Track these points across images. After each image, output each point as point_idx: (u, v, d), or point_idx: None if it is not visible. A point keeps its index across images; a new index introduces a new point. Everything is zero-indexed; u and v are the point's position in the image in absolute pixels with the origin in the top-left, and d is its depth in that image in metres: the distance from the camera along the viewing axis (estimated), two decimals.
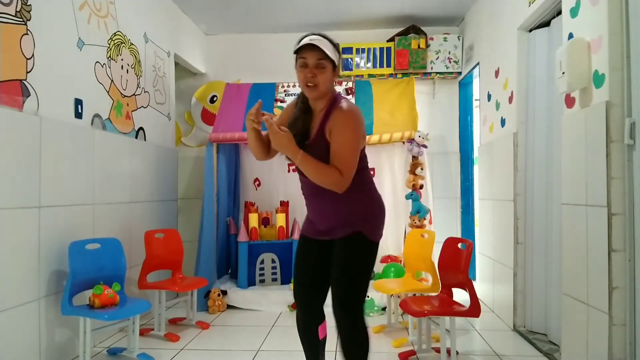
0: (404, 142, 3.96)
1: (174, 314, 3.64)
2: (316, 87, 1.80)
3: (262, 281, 4.00)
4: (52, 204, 2.57)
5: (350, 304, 1.87)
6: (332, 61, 1.81)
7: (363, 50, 4.67)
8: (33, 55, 2.45)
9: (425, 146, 3.89)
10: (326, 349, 2.86)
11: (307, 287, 2.00)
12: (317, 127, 1.85)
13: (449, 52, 4.63)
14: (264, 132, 1.93)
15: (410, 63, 4.60)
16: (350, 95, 4.66)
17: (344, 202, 1.87)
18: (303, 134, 1.87)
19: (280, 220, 4.03)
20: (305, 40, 1.78)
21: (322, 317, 2.02)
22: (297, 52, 1.83)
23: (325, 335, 2.05)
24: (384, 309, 3.65)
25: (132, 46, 3.53)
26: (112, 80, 3.23)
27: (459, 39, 4.63)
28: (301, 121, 1.89)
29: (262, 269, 4.00)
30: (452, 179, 4.87)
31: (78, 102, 2.84)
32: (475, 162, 4.64)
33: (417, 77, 4.66)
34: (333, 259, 1.92)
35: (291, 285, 3.74)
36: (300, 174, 1.92)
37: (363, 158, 1.92)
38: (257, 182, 4.59)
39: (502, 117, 3.50)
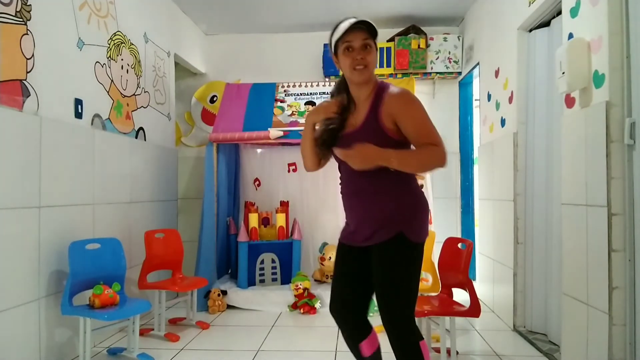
0: None
1: (174, 314, 3.63)
2: (366, 69, 1.70)
3: (262, 281, 4.00)
4: (52, 204, 2.57)
5: (399, 320, 1.70)
6: (375, 41, 1.74)
7: None
8: (33, 55, 2.45)
9: None
10: (326, 350, 2.87)
11: (344, 303, 1.83)
12: (366, 113, 1.73)
13: (449, 52, 4.63)
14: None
15: (410, 63, 4.60)
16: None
17: (388, 199, 1.73)
18: (340, 127, 1.78)
19: (280, 220, 4.03)
20: (347, 24, 1.69)
21: (367, 331, 1.85)
22: (338, 38, 1.72)
23: (376, 349, 1.86)
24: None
25: (132, 46, 3.53)
26: (112, 80, 3.24)
27: (459, 39, 4.63)
28: (344, 115, 1.79)
29: (262, 269, 4.00)
30: (452, 179, 4.87)
31: (78, 102, 2.84)
32: (475, 162, 4.63)
33: (417, 77, 4.67)
34: (373, 268, 1.75)
35: (292, 285, 3.76)
36: (346, 171, 1.77)
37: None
38: (257, 182, 4.59)
39: (502, 117, 3.50)
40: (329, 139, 1.80)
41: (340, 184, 1.88)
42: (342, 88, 1.83)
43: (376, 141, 1.65)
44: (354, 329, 1.84)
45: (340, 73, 1.83)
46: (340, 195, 1.88)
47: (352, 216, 1.83)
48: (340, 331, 1.88)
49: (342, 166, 1.81)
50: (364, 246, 1.78)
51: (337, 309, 1.85)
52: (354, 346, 1.85)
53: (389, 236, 1.71)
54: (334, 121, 1.78)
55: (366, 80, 1.73)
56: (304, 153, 1.88)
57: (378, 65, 4.67)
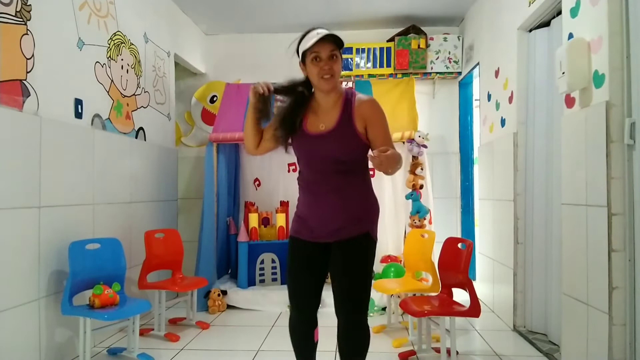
0: (404, 142, 3.95)
1: (174, 314, 3.63)
2: (333, 77, 1.81)
3: (262, 281, 4.00)
4: (52, 204, 2.57)
5: (364, 309, 1.87)
6: (341, 52, 1.84)
7: (363, 50, 4.68)
8: (33, 55, 2.45)
9: (425, 146, 3.89)
10: (326, 349, 2.87)
11: (305, 293, 1.96)
12: (338, 116, 1.85)
13: (449, 52, 4.63)
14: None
15: (410, 63, 4.60)
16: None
17: (357, 198, 1.87)
18: (292, 126, 1.88)
19: (280, 220, 4.03)
20: (317, 35, 1.78)
21: (316, 322, 2.02)
22: (304, 48, 1.82)
23: (318, 339, 2.05)
24: (384, 309, 3.65)
25: (132, 46, 3.53)
26: (112, 80, 3.24)
27: (459, 39, 4.63)
28: (296, 114, 1.89)
29: (262, 269, 4.00)
30: (452, 179, 4.87)
31: (78, 102, 2.84)
32: (475, 162, 4.63)
33: (417, 77, 4.67)
34: (339, 261, 1.86)
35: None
36: (320, 170, 1.87)
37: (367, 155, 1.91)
38: (257, 182, 4.59)
39: (502, 117, 3.50)
40: (284, 132, 1.90)
41: (301, 180, 1.97)
42: (297, 86, 1.93)
43: (349, 142, 1.83)
44: (310, 320, 2.00)
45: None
46: (301, 191, 1.97)
47: (316, 212, 1.90)
48: (291, 323, 2.02)
49: (309, 166, 1.91)
50: (323, 242, 1.89)
51: (297, 297, 1.97)
52: (307, 334, 2.01)
53: (357, 234, 1.85)
54: (286, 122, 1.89)
55: (332, 88, 1.85)
56: (246, 133, 1.98)
57: (378, 65, 4.68)
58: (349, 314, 1.86)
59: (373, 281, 3.31)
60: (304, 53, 1.83)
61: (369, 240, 1.88)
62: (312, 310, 1.98)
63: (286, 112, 1.91)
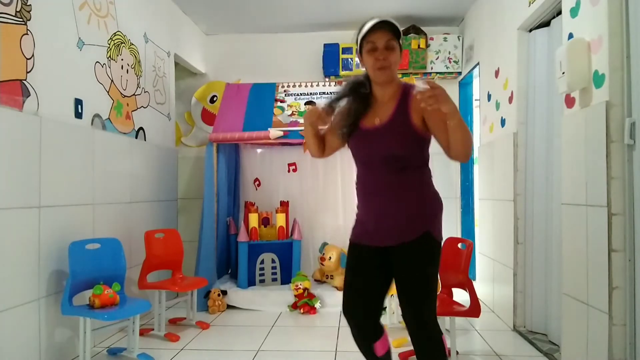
0: None
1: (174, 314, 3.63)
2: (389, 68, 1.71)
3: (262, 281, 4.00)
4: (52, 204, 2.57)
5: (430, 321, 1.72)
6: (399, 42, 1.75)
7: None
8: (33, 55, 2.45)
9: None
10: (326, 350, 2.87)
11: (361, 304, 1.80)
12: (393, 109, 1.74)
13: (449, 52, 4.63)
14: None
15: (410, 63, 4.60)
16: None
17: (414, 196, 1.75)
18: (355, 123, 1.79)
19: (280, 220, 4.03)
20: (371, 23, 1.71)
21: (380, 332, 1.84)
22: (362, 38, 1.74)
23: (388, 349, 1.86)
24: (384, 308, 3.65)
25: (132, 46, 3.53)
26: (112, 80, 3.24)
27: (459, 39, 4.63)
28: (360, 110, 1.79)
29: (262, 269, 4.00)
30: (452, 179, 4.87)
31: (78, 102, 2.84)
32: (475, 162, 4.63)
33: (417, 77, 4.67)
34: (399, 266, 1.74)
35: (292, 285, 3.76)
36: (370, 168, 1.78)
37: (428, 150, 1.80)
38: (257, 182, 4.59)
39: (502, 117, 3.50)
40: (348, 128, 1.80)
41: (357, 182, 1.86)
42: (355, 86, 1.82)
43: (403, 135, 1.70)
44: (368, 331, 1.82)
45: (361, 71, 1.83)
46: (358, 193, 1.85)
47: (372, 214, 1.79)
48: (351, 333, 1.85)
49: (364, 164, 1.81)
50: (382, 246, 1.76)
51: (353, 311, 1.81)
52: (368, 347, 1.83)
53: (417, 235, 1.71)
54: (350, 118, 1.79)
55: (388, 80, 1.75)
56: (308, 145, 1.92)
57: None
58: (411, 322, 1.73)
59: None
60: (361, 44, 1.75)
61: (431, 241, 1.73)
62: (368, 323, 1.82)
63: (349, 110, 1.81)
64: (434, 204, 1.80)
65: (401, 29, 1.75)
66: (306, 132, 1.89)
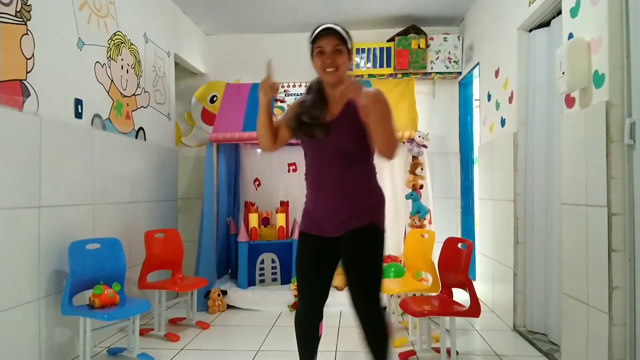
0: (404, 142, 3.96)
1: (174, 314, 3.63)
2: (336, 70, 1.85)
3: (262, 281, 4.00)
4: (52, 204, 2.57)
5: (377, 302, 1.89)
6: (347, 46, 1.88)
7: (363, 50, 4.67)
8: (33, 55, 2.45)
9: (425, 146, 3.89)
10: (326, 350, 2.88)
11: (314, 287, 1.97)
12: (342, 107, 1.90)
13: (449, 52, 4.63)
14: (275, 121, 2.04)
15: (410, 63, 4.60)
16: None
17: (360, 190, 1.89)
18: (318, 121, 1.90)
19: (280, 220, 4.03)
20: (320, 29, 1.85)
21: (322, 316, 2.03)
22: (312, 43, 1.88)
23: (322, 333, 2.07)
24: (384, 308, 3.65)
25: (132, 46, 3.53)
26: (112, 80, 3.24)
27: (459, 39, 4.63)
28: (318, 109, 1.92)
29: (262, 269, 4.00)
30: (452, 179, 4.87)
31: (78, 102, 2.84)
32: (475, 162, 4.63)
33: (417, 77, 4.66)
34: (346, 254, 1.90)
35: (292, 285, 3.76)
36: (322, 162, 1.90)
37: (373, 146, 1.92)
38: (257, 182, 4.59)
39: (502, 117, 3.50)
40: (299, 127, 1.93)
41: (307, 175, 1.99)
42: (314, 87, 1.99)
43: (351, 131, 1.86)
44: (317, 313, 2.01)
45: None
46: (308, 186, 2.00)
47: (321, 206, 1.94)
48: (297, 317, 2.01)
49: (314, 158, 1.94)
50: (331, 237, 1.91)
51: (306, 291, 1.98)
52: (313, 328, 2.01)
53: (362, 224, 1.87)
54: (306, 113, 1.92)
55: (336, 81, 1.87)
56: (259, 132, 2.03)
57: (378, 65, 4.68)
58: (360, 307, 1.89)
59: None
60: (312, 48, 1.89)
61: (375, 231, 1.89)
62: (320, 304, 1.99)
63: (301, 104, 1.97)
64: (379, 198, 1.95)
65: (347, 33, 1.88)
66: (261, 104, 2.01)
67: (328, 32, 1.83)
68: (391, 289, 3.06)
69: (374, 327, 1.91)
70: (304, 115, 1.91)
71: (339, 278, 3.91)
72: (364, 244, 1.88)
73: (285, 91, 4.35)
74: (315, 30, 1.87)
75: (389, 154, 1.80)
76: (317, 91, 1.96)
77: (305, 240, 1.99)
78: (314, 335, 2.03)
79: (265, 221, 4.08)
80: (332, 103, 1.93)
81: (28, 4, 2.41)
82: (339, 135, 1.85)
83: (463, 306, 2.53)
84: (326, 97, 1.95)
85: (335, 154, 1.86)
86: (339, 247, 1.92)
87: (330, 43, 1.83)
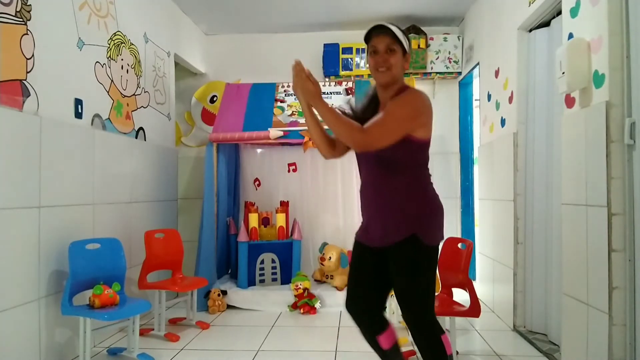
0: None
1: (174, 314, 3.63)
2: (388, 70, 1.76)
3: (262, 281, 4.00)
4: (52, 204, 2.57)
5: (425, 323, 1.79)
6: (402, 46, 1.79)
7: (363, 50, 4.67)
8: (33, 55, 2.45)
9: None
10: (326, 349, 2.87)
11: (360, 299, 1.90)
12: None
13: (449, 52, 4.63)
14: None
15: (410, 63, 4.57)
16: (351, 96, 4.66)
17: (400, 199, 1.78)
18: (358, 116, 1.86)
19: (280, 220, 4.03)
20: (373, 27, 1.79)
21: (383, 326, 1.91)
22: (367, 42, 1.81)
23: (394, 343, 1.92)
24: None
25: (132, 46, 3.53)
26: (112, 80, 3.24)
27: (459, 39, 4.63)
28: (370, 110, 1.86)
29: (262, 269, 4.00)
30: (452, 179, 4.87)
31: (78, 102, 2.84)
32: (475, 162, 4.63)
33: (417, 77, 4.67)
34: (392, 270, 1.81)
35: (292, 285, 3.76)
36: (364, 166, 1.85)
37: (423, 153, 1.84)
38: (257, 182, 4.59)
39: (502, 117, 3.50)
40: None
41: (361, 183, 1.92)
42: (369, 92, 1.92)
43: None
44: (369, 325, 1.90)
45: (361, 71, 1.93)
46: (360, 195, 1.92)
47: (365, 215, 1.89)
48: (358, 328, 1.93)
49: (359, 164, 1.89)
50: (379, 247, 1.82)
51: (352, 307, 1.92)
52: (371, 339, 1.91)
53: (402, 238, 1.75)
54: (363, 117, 1.82)
55: (388, 82, 1.79)
56: (313, 137, 1.92)
57: None
58: (408, 324, 1.82)
59: None
60: (367, 48, 1.82)
61: (417, 243, 1.74)
62: (366, 314, 1.91)
63: (357, 109, 1.91)
64: (423, 208, 1.81)
65: (403, 32, 1.80)
66: (307, 121, 1.85)
67: (381, 30, 1.75)
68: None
69: (419, 347, 1.81)
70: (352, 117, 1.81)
71: (339, 278, 3.91)
72: (403, 257, 1.76)
73: (285, 91, 4.35)
74: (371, 28, 1.80)
75: (346, 141, 1.72)
76: (371, 96, 1.90)
77: (356, 249, 1.94)
78: (380, 349, 1.91)
79: (265, 221, 4.08)
80: (382, 106, 1.84)
81: (28, 4, 2.41)
82: None
83: (463, 306, 2.54)
84: (378, 100, 1.87)
85: (375, 159, 1.78)
86: (387, 258, 1.83)
87: (383, 41, 1.76)
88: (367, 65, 1.85)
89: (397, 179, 1.78)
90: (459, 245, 2.67)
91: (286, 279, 3.98)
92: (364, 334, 1.93)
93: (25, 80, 2.40)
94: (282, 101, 4.30)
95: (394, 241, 1.76)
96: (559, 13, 2.67)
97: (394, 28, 1.76)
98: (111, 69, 3.23)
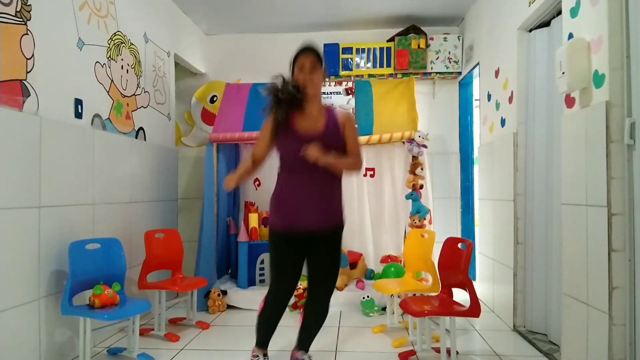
0: (404, 142, 3.96)
1: (174, 314, 3.63)
2: (315, 86, 2.22)
3: (262, 281, 4.00)
4: (52, 204, 2.57)
5: (331, 295, 2.37)
6: (322, 65, 2.26)
7: (363, 50, 4.67)
8: (33, 55, 2.45)
9: (425, 146, 3.89)
10: (326, 349, 2.88)
11: (289, 286, 2.34)
12: (325, 122, 2.24)
13: (449, 52, 4.63)
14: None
15: (410, 63, 4.60)
16: (350, 96, 4.67)
17: (335, 193, 2.29)
18: (284, 122, 2.21)
19: None
20: (303, 47, 2.24)
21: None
22: (295, 59, 2.24)
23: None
24: (384, 309, 3.65)
25: (132, 46, 3.53)
26: (112, 80, 3.24)
27: (459, 39, 4.63)
28: (285, 111, 2.19)
29: (262, 269, 4.00)
30: (452, 179, 4.87)
31: (78, 102, 2.84)
32: (475, 162, 4.63)
33: (417, 77, 4.66)
34: (322, 252, 2.28)
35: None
36: (305, 167, 2.16)
37: None
38: (257, 182, 4.58)
39: (502, 117, 3.50)
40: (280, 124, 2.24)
41: (283, 178, 2.33)
42: (292, 94, 2.21)
43: (336, 143, 2.22)
44: (287, 302, 2.38)
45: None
46: (283, 186, 2.31)
47: (297, 208, 2.22)
48: (270, 305, 2.36)
49: (301, 162, 2.15)
50: (304, 236, 2.23)
51: (281, 288, 2.33)
52: (282, 308, 2.37)
53: (335, 226, 2.29)
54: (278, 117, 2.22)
55: (313, 94, 2.22)
56: (249, 176, 2.45)
57: (378, 65, 4.68)
58: (320, 295, 2.36)
59: (373, 281, 3.55)
60: (294, 63, 2.24)
61: (341, 233, 2.34)
62: (287, 299, 2.38)
63: (282, 111, 2.22)
64: (343, 202, 2.35)
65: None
66: (243, 172, 2.33)
67: (309, 50, 2.21)
68: (391, 289, 3.06)
69: (320, 310, 2.36)
70: (280, 93, 2.16)
71: (338, 278, 3.91)
72: (335, 245, 2.36)
73: None
74: (300, 47, 2.25)
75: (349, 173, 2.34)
76: (294, 94, 2.19)
77: (278, 239, 2.34)
78: (277, 322, 2.42)
79: (265, 221, 4.08)
80: (309, 114, 2.24)
81: (28, 4, 2.41)
82: (325, 148, 2.13)
83: (463, 306, 2.54)
84: (303, 95, 2.20)
85: (321, 166, 2.15)
86: (311, 243, 2.29)
87: (309, 61, 2.19)
88: (296, 78, 2.22)
89: (331, 178, 2.25)
90: (459, 245, 2.67)
91: None
92: (279, 310, 2.36)
93: (25, 80, 2.40)
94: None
95: (328, 229, 2.25)
96: (559, 13, 2.67)
97: (317, 51, 2.25)
98: (111, 69, 3.23)
